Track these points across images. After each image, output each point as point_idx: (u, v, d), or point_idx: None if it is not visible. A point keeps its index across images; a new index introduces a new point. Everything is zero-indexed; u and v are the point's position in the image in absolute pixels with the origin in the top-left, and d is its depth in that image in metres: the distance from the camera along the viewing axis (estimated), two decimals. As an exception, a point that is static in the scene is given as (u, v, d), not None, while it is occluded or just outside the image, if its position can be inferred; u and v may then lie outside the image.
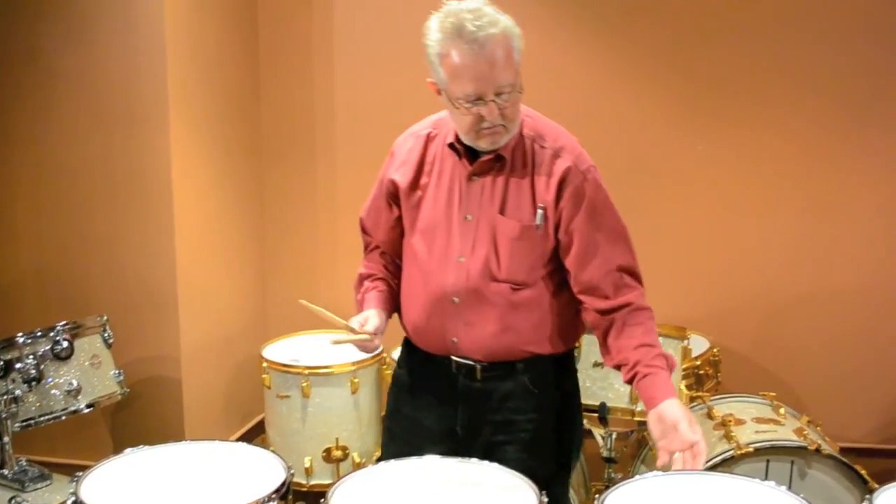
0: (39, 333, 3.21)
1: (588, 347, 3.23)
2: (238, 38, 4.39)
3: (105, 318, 3.44)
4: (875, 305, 4.15)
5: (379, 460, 2.65)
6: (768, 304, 4.22)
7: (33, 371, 3.17)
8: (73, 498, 2.26)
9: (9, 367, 3.14)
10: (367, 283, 2.64)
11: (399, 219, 2.57)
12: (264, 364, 3.92)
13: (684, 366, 3.27)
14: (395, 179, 2.52)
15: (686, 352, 3.25)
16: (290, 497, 2.35)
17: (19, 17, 3.86)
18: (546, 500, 2.20)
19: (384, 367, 3.94)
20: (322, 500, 2.21)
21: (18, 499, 2.93)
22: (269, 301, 4.68)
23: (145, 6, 3.78)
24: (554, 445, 2.54)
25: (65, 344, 3.24)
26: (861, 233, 4.13)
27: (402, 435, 2.64)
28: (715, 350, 3.96)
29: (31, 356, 3.17)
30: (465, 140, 2.39)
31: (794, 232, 4.17)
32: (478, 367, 2.47)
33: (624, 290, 2.44)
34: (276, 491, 2.26)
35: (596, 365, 3.20)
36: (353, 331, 2.41)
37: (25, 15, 3.86)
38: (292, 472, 2.37)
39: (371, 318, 2.46)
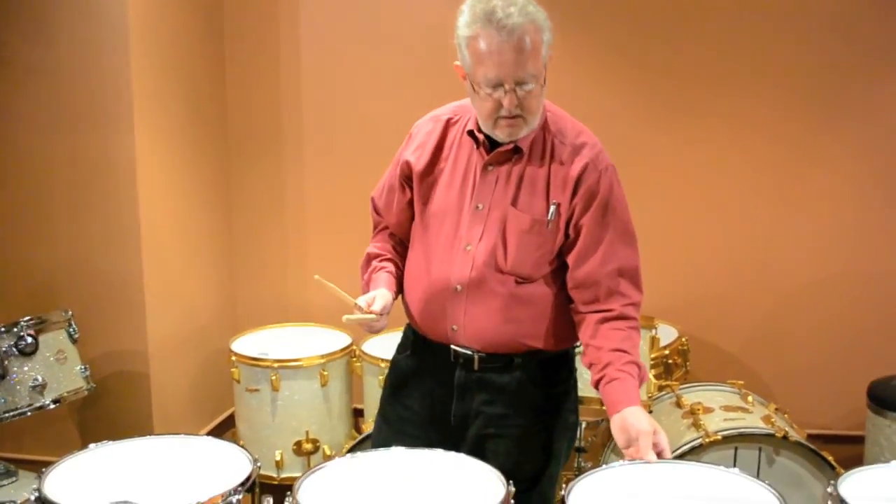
0: (3, 329, 3.18)
1: (557, 337, 3.22)
2: (203, 32, 4.35)
3: (70, 312, 3.41)
4: (843, 295, 4.19)
5: (373, 444, 2.65)
6: (737, 293, 4.25)
7: (-3, 367, 3.13)
8: (36, 493, 2.24)
9: (-28, 363, 3.11)
10: (375, 263, 2.62)
11: (411, 202, 2.55)
12: (233, 358, 3.90)
13: (653, 355, 3.28)
14: (410, 161, 2.50)
15: (655, 341, 3.26)
16: (258, 490, 2.32)
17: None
18: (513, 489, 2.19)
19: (354, 359, 3.93)
20: (289, 492, 2.19)
21: (-17, 496, 2.90)
22: (237, 295, 4.65)
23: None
24: (545, 442, 2.53)
25: (29, 339, 3.22)
26: (830, 224, 4.16)
27: (395, 421, 2.63)
28: (683, 339, 3.98)
29: (-5, 352, 3.14)
30: (484, 128, 2.38)
31: (764, 223, 4.20)
32: (476, 357, 2.45)
33: (616, 297, 2.41)
34: (242, 484, 2.24)
35: (565, 355, 3.19)
36: (360, 310, 2.39)
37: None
38: (258, 465, 2.35)
39: (378, 297, 2.44)
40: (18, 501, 2.86)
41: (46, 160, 3.88)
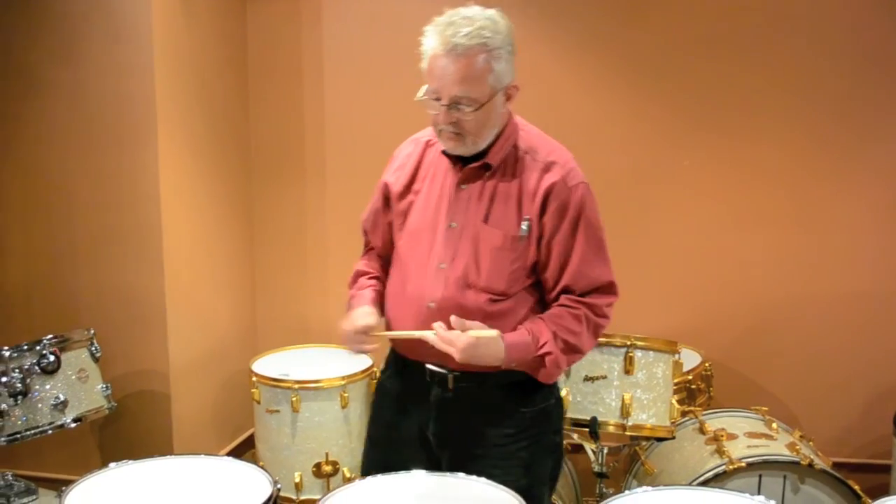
0: (26, 347, 3.18)
1: (579, 362, 3.20)
2: (227, 55, 4.38)
3: (92, 331, 3.41)
4: (868, 321, 4.13)
5: (362, 468, 2.65)
6: (760, 318, 4.20)
7: (19, 385, 3.14)
8: (56, 513, 2.24)
9: (-6, 380, 3.12)
10: (362, 280, 2.64)
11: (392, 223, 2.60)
12: (254, 378, 3.89)
13: (676, 380, 3.25)
14: (390, 183, 2.56)
15: (677, 366, 3.23)
16: (277, 512, 2.32)
17: (7, 31, 3.84)
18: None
19: (374, 381, 3.91)
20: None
21: (3, 514, 2.91)
22: (258, 315, 4.66)
23: (134, 22, 3.76)
24: (526, 463, 2.50)
25: (51, 358, 3.22)
26: (852, 244, 4.11)
27: (381, 441, 2.65)
28: (707, 364, 3.95)
29: (17, 370, 3.14)
30: (437, 137, 2.44)
31: (786, 244, 4.16)
32: (450, 376, 2.45)
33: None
34: (263, 505, 2.24)
35: (587, 379, 3.18)
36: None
37: (14, 29, 3.84)
38: (279, 486, 2.35)
39: (364, 316, 2.46)
40: (38, 520, 2.87)
41: (71, 180, 3.90)
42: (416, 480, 2.40)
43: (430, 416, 2.50)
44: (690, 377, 3.78)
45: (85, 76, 3.82)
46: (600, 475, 3.29)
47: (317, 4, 4.42)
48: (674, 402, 3.20)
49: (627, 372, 3.13)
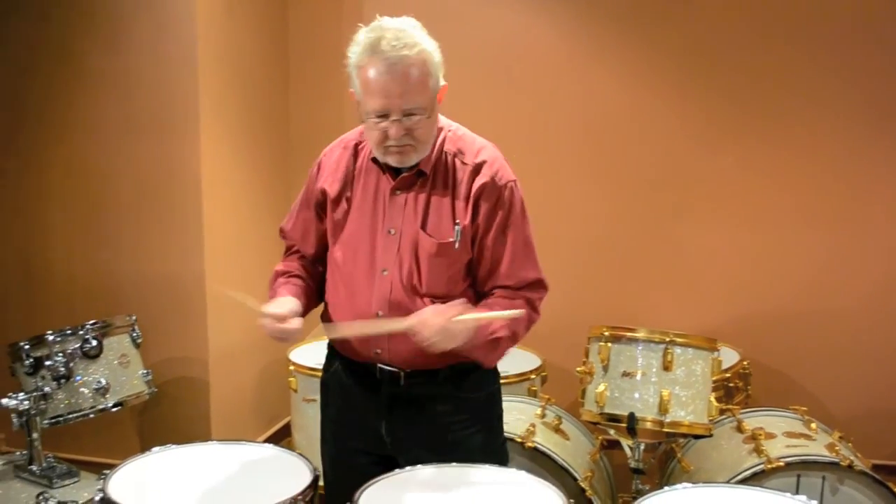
0: (69, 332, 3.22)
1: (616, 357, 3.20)
2: (268, 44, 4.41)
3: (134, 317, 3.44)
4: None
5: (324, 471, 2.66)
6: (800, 316, 4.17)
7: (62, 369, 3.18)
8: (100, 494, 2.27)
9: (39, 364, 3.16)
10: (280, 279, 2.63)
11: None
12: (291, 367, 3.92)
13: (714, 378, 3.23)
14: (325, 189, 2.52)
15: (716, 364, 3.21)
16: (317, 500, 2.33)
17: (59, 21, 3.89)
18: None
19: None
20: (348, 502, 2.20)
21: (46, 495, 2.93)
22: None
23: (177, 12, 3.80)
24: (482, 445, 2.54)
25: (94, 342, 3.25)
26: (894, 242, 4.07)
27: (334, 441, 2.65)
28: (745, 363, 3.92)
29: (61, 354, 3.18)
30: (376, 154, 2.41)
31: (827, 245, 4.13)
32: (402, 374, 2.46)
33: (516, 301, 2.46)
34: (302, 493, 2.25)
35: (624, 375, 3.16)
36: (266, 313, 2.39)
37: (65, 19, 3.89)
38: (318, 473, 2.36)
39: (284, 302, 2.45)
40: (80, 502, 2.89)
41: (115, 167, 3.95)
42: (453, 471, 2.41)
43: (382, 415, 2.50)
44: (729, 375, 3.76)
45: (131, 66, 3.87)
46: (637, 471, 3.27)
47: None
48: (712, 399, 3.18)
49: (666, 368, 3.12)
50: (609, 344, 3.19)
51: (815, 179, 4.11)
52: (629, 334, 3.19)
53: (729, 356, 3.85)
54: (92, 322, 3.28)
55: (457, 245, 2.40)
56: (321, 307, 2.63)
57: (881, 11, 3.98)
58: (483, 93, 4.28)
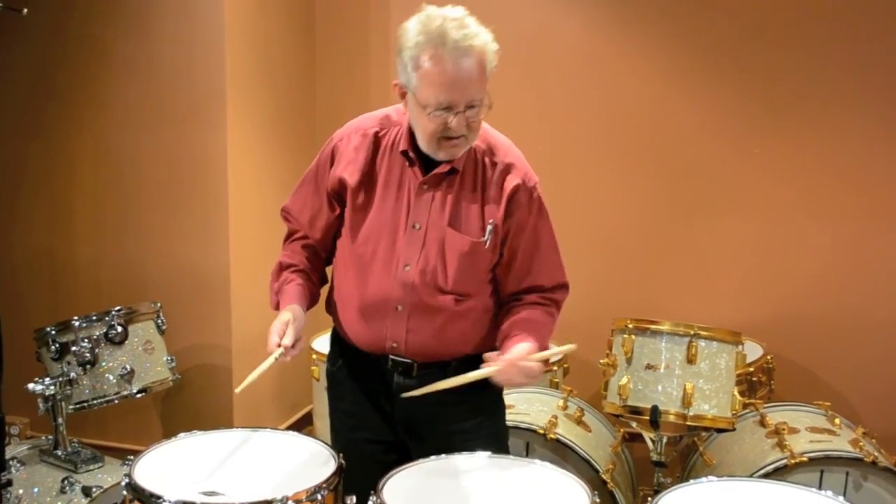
0: (95, 318, 3.25)
1: (640, 350, 3.19)
2: (295, 32, 4.41)
3: (159, 304, 3.47)
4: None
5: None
6: (825, 312, 4.14)
7: (88, 354, 3.20)
8: (126, 479, 2.28)
9: (64, 349, 3.19)
10: (285, 274, 2.58)
11: (339, 217, 2.51)
12: (313, 356, 3.93)
13: (737, 372, 3.21)
14: (344, 178, 2.44)
15: (741, 357, 3.19)
16: (341, 488, 2.34)
17: (85, 8, 3.91)
18: (598, 500, 2.17)
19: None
20: (373, 491, 2.20)
21: (71, 479, 2.96)
22: (320, 294, 4.69)
23: (206, 1, 3.80)
24: (494, 434, 2.57)
25: (119, 329, 3.28)
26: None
27: (345, 431, 2.64)
28: (769, 357, 3.91)
29: (87, 340, 3.21)
30: (426, 148, 2.34)
31: (854, 239, 4.10)
32: (414, 365, 2.46)
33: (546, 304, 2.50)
34: (328, 481, 2.26)
35: (648, 367, 3.16)
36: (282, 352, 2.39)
37: (90, 6, 3.90)
38: (343, 462, 2.37)
39: (292, 321, 2.41)
40: (104, 487, 2.91)
41: (141, 155, 3.97)
42: (478, 461, 2.41)
43: (391, 403, 2.50)
44: (752, 369, 3.75)
45: (158, 54, 3.88)
46: (659, 464, 3.26)
47: (385, -17, 4.43)
48: (735, 393, 3.17)
49: (690, 361, 3.11)
50: (633, 336, 3.19)
51: (842, 175, 4.08)
52: (653, 327, 3.18)
53: (753, 350, 3.83)
54: (117, 308, 3.31)
55: (487, 244, 2.39)
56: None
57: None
58: (510, 87, 4.27)
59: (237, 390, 2.41)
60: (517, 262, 2.44)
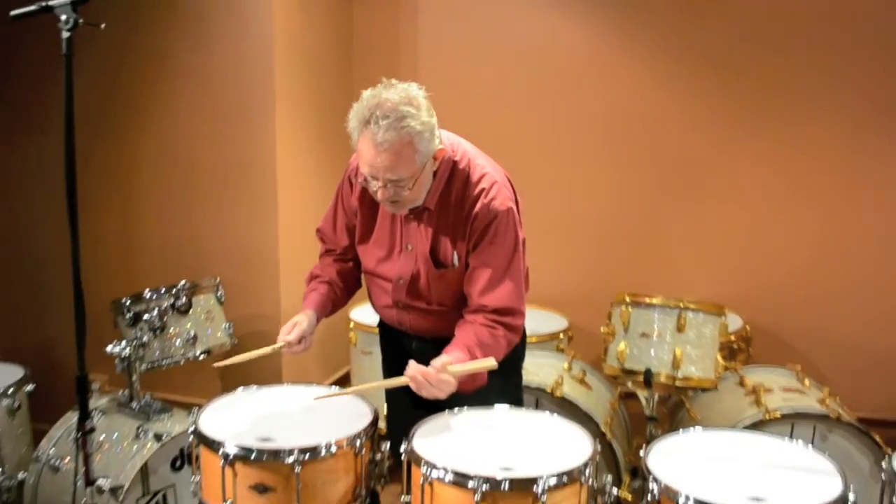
0: (163, 290, 3.27)
1: (636, 320, 3.21)
2: (335, 42, 4.42)
3: (218, 279, 3.49)
4: (891, 295, 4.05)
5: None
6: (797, 287, 4.13)
7: (158, 322, 3.23)
8: (192, 427, 2.32)
9: (138, 317, 3.21)
10: (313, 283, 2.73)
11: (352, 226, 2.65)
12: (351, 324, 3.97)
13: (721, 339, 3.22)
14: (356, 205, 2.58)
15: (723, 327, 3.21)
16: (377, 436, 2.37)
17: (147, 20, 3.93)
18: (599, 447, 2.20)
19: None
20: (405, 437, 2.23)
21: (144, 427, 3.00)
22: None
23: (256, 14, 3.81)
24: (502, 385, 2.55)
25: (184, 300, 3.30)
26: (888, 226, 4.01)
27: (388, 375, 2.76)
28: (747, 327, 3.91)
29: (157, 309, 3.24)
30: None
31: (821, 225, 4.08)
32: (429, 339, 2.56)
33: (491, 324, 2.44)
34: (366, 430, 2.29)
35: (643, 335, 3.18)
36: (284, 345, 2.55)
37: (153, 18, 3.92)
38: (378, 414, 2.40)
39: (300, 323, 2.57)
40: (173, 433, 2.95)
41: (200, 150, 3.99)
42: (499, 414, 2.43)
43: (416, 358, 2.50)
44: (733, 337, 3.75)
45: (212, 62, 3.89)
46: (651, 419, 3.29)
47: (413, 6, 4.44)
48: (718, 358, 3.18)
49: (680, 330, 3.13)
50: (630, 308, 3.20)
51: (811, 168, 4.05)
52: (648, 300, 3.20)
53: (734, 321, 3.83)
54: (183, 282, 3.33)
55: (456, 267, 2.43)
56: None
57: (883, 14, 3.91)
58: (522, 89, 4.28)
59: (215, 365, 2.54)
60: (468, 278, 2.44)
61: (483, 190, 2.39)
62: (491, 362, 2.29)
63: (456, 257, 2.43)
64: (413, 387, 2.27)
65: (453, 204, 2.41)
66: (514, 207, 2.43)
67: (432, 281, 2.47)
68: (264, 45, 3.83)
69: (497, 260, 2.40)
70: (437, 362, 2.25)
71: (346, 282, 2.74)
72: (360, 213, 2.56)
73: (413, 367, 2.28)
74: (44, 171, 4.10)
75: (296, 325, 2.55)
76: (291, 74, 3.98)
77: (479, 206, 2.37)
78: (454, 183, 2.41)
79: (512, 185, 2.50)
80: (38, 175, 4.14)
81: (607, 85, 4.22)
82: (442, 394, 2.25)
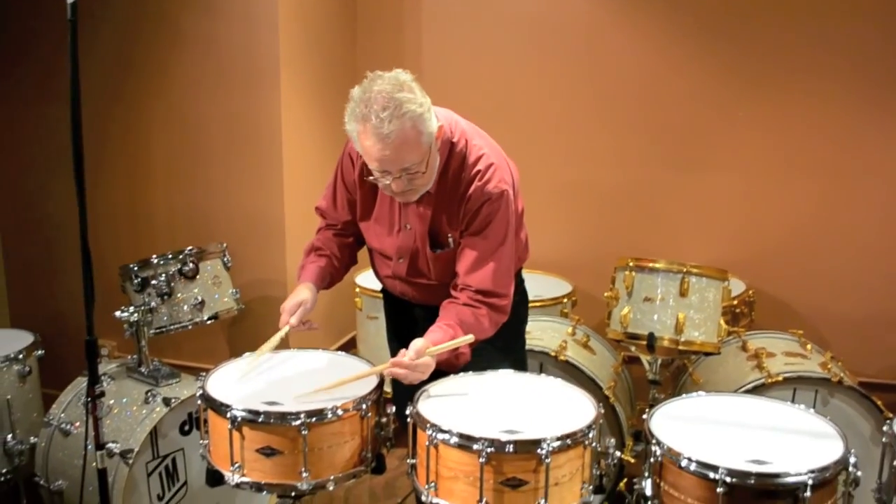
0: (171, 256, 3.27)
1: (640, 284, 3.19)
2: (340, 13, 4.38)
3: (224, 245, 3.49)
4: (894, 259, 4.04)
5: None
6: (799, 252, 4.11)
7: (165, 287, 3.24)
8: (200, 391, 2.33)
9: (145, 283, 3.22)
10: (312, 256, 2.71)
11: (353, 201, 2.65)
12: (357, 289, 3.97)
13: (724, 304, 3.22)
14: (356, 181, 2.57)
15: (726, 292, 3.20)
16: (383, 400, 2.38)
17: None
18: (602, 411, 2.20)
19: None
20: (410, 401, 2.24)
21: (153, 391, 3.01)
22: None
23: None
24: (502, 346, 2.57)
25: (191, 265, 3.30)
26: (889, 191, 3.99)
27: (395, 349, 2.72)
28: (750, 292, 3.90)
29: (164, 275, 3.24)
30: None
31: (823, 190, 4.05)
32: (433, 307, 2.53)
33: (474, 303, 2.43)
34: (372, 392, 2.30)
35: (646, 300, 3.16)
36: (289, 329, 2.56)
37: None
38: (382, 377, 2.40)
39: (304, 303, 2.57)
40: (181, 398, 2.97)
41: (207, 116, 3.97)
42: (504, 378, 2.43)
43: (417, 326, 2.56)
44: (736, 302, 3.75)
45: (218, 28, 3.86)
46: (654, 382, 3.29)
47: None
48: (721, 322, 3.17)
49: (683, 295, 3.11)
50: (633, 273, 3.19)
51: (814, 133, 4.01)
52: (651, 265, 3.18)
53: (737, 286, 3.83)
54: (190, 248, 3.33)
55: (451, 247, 2.45)
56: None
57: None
58: (518, 56, 4.25)
59: (249, 355, 2.57)
60: (458, 257, 2.44)
61: (479, 172, 2.39)
62: (469, 338, 2.30)
63: (451, 239, 2.44)
64: (399, 378, 2.29)
65: (450, 185, 2.41)
66: (510, 190, 2.42)
67: (431, 261, 2.49)
68: (270, 14, 3.79)
69: (487, 242, 2.40)
70: (413, 347, 2.26)
71: (344, 257, 2.76)
72: (361, 191, 2.56)
73: (391, 362, 2.29)
74: (60, 139, 4.08)
75: (301, 306, 2.55)
76: (296, 43, 3.95)
77: (473, 188, 2.37)
78: (451, 164, 2.40)
79: (509, 164, 2.50)
80: (53, 143, 4.13)
81: (610, 52, 4.18)
82: (423, 376, 2.27)
